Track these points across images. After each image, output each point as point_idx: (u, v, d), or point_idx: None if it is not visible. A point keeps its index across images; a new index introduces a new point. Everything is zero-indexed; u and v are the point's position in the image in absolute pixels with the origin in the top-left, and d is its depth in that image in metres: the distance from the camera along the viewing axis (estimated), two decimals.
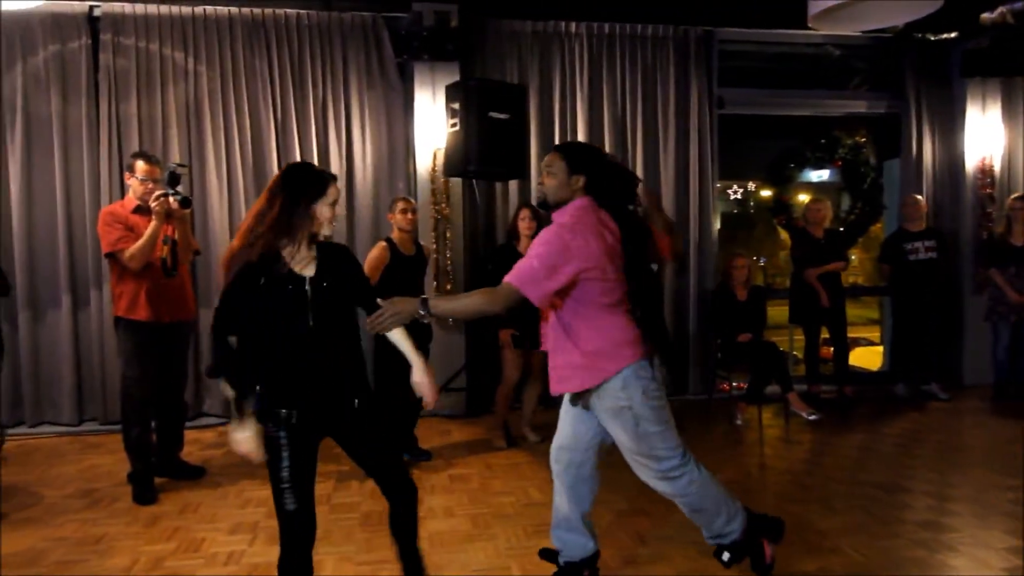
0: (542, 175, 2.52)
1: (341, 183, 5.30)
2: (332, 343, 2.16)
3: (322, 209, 2.13)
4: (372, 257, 4.03)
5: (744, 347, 5.04)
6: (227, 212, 5.14)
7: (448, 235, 5.28)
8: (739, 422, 5.02)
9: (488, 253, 5.20)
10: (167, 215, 3.52)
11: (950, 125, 6.10)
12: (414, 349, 2.36)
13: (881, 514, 3.30)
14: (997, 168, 6.11)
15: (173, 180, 3.60)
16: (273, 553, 2.97)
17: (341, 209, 2.25)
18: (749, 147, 7.24)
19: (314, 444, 2.17)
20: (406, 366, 3.87)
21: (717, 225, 6.07)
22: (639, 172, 5.69)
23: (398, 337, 2.36)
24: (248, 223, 2.10)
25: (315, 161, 5.24)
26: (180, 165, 3.69)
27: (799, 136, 6.17)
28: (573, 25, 5.60)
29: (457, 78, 5.16)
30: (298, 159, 5.20)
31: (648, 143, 5.73)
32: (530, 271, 2.30)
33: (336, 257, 2.23)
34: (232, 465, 4.22)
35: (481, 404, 5.28)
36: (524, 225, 4.41)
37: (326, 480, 3.93)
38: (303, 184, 2.13)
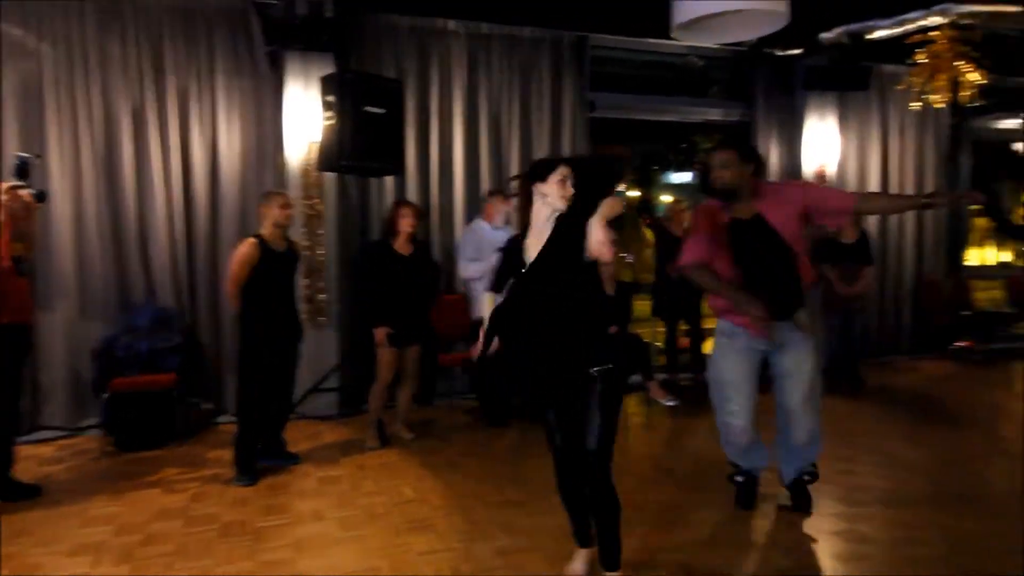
0: (717, 171, 3.09)
1: (204, 176, 5.05)
2: None
3: (549, 187, 2.47)
4: (241, 254, 3.86)
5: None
6: (71, 206, 4.72)
7: (321, 231, 5.15)
8: None
9: (363, 250, 5.12)
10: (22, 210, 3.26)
11: (792, 134, 6.68)
12: None
13: (733, 491, 3.57)
14: (832, 174, 6.76)
15: (22, 171, 3.32)
16: (120, 572, 2.83)
17: (569, 188, 2.49)
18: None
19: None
20: (274, 369, 3.80)
21: None
22: (514, 171, 5.81)
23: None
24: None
25: (176, 152, 4.95)
26: (35, 156, 3.43)
27: (663, 140, 6.53)
28: (451, 23, 5.62)
29: (332, 70, 5.02)
30: (154, 149, 4.89)
31: (524, 143, 5.86)
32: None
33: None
34: (73, 480, 3.91)
35: (354, 404, 5.20)
36: (407, 223, 4.38)
37: (182, 491, 3.74)
38: (533, 168, 2.54)
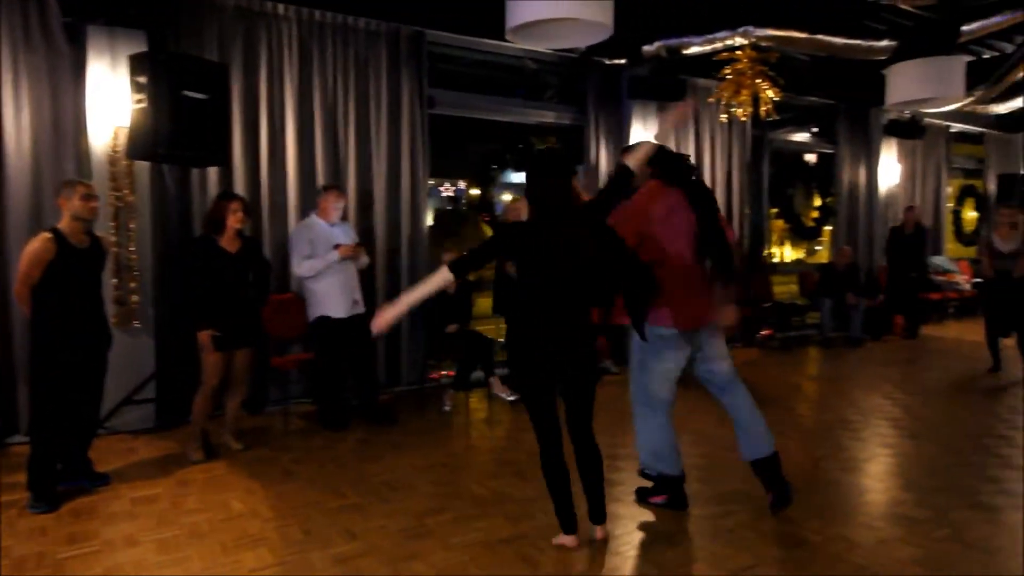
0: None
1: None
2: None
3: None
4: (32, 251, 3.40)
5: (452, 337, 5.30)
6: None
7: (132, 226, 4.67)
8: (447, 408, 5.28)
9: (184, 247, 4.71)
10: None
11: (620, 138, 7.08)
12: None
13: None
14: None
15: None
16: None
17: None
18: (459, 147, 7.62)
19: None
20: (74, 379, 3.41)
21: (428, 221, 6.27)
22: (351, 166, 5.64)
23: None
24: None
25: None
26: None
27: (501, 140, 6.67)
28: (281, 7, 5.32)
29: (144, 48, 4.58)
30: None
31: (361, 137, 5.69)
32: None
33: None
34: None
35: (174, 415, 4.78)
36: (236, 218, 4.10)
37: None
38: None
